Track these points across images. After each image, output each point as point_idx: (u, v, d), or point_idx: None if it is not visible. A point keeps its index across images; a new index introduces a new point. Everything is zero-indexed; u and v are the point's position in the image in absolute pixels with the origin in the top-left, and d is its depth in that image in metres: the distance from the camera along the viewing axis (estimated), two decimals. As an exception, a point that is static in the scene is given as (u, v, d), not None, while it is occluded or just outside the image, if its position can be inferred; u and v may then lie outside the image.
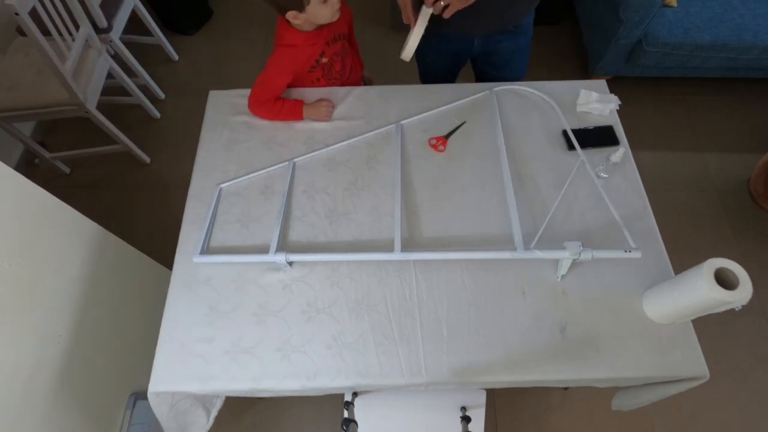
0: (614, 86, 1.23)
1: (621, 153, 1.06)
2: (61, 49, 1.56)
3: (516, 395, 1.56)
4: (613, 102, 1.19)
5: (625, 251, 0.92)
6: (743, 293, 0.74)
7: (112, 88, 2.00)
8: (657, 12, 1.82)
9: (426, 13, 1.00)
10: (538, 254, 0.94)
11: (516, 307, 0.95)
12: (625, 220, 0.98)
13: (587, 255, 0.90)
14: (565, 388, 1.56)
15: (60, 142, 2.13)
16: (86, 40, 1.72)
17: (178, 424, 1.00)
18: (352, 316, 0.95)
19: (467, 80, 1.37)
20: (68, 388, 1.04)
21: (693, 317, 0.88)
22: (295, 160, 1.15)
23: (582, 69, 2.30)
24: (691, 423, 1.53)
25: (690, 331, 0.91)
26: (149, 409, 0.93)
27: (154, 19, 2.19)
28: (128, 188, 2.03)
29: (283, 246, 1.03)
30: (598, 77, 1.51)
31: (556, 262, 0.96)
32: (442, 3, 0.97)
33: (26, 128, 2.06)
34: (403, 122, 1.20)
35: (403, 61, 1.08)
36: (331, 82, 1.32)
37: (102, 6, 1.80)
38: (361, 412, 1.14)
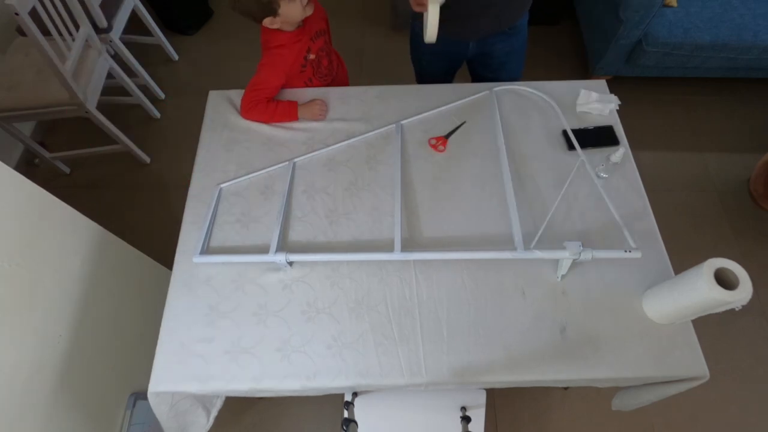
0: (614, 86, 1.23)
1: (621, 153, 1.06)
2: (61, 49, 1.56)
3: (516, 395, 1.56)
4: (613, 102, 1.19)
5: (625, 251, 0.92)
6: (743, 293, 0.74)
7: (112, 88, 2.00)
8: (657, 12, 1.83)
9: None
10: (538, 254, 0.94)
11: (516, 307, 0.95)
12: (625, 220, 0.98)
13: (587, 255, 0.90)
14: (565, 388, 1.56)
15: (60, 142, 2.13)
16: (86, 40, 1.72)
17: (178, 424, 1.00)
18: (352, 316, 0.95)
19: (463, 82, 1.37)
20: (68, 388, 1.04)
21: (693, 317, 0.88)
22: (295, 160, 1.15)
23: (582, 69, 2.30)
24: (691, 423, 1.53)
25: (690, 331, 0.91)
26: (149, 409, 0.93)
27: (154, 19, 2.19)
28: (128, 188, 2.03)
29: (283, 246, 1.03)
30: (598, 77, 1.52)
31: (556, 262, 0.96)
32: None
33: (26, 128, 2.06)
34: (403, 122, 1.20)
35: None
36: (322, 80, 1.33)
37: (102, 6, 1.80)
38: (361, 412, 1.14)
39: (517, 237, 0.98)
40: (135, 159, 2.05)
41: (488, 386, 0.95)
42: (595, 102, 1.18)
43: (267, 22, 1.12)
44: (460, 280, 0.98)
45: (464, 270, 0.99)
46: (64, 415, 1.04)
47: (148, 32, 2.22)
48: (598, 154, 1.13)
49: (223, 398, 1.10)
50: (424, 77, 1.50)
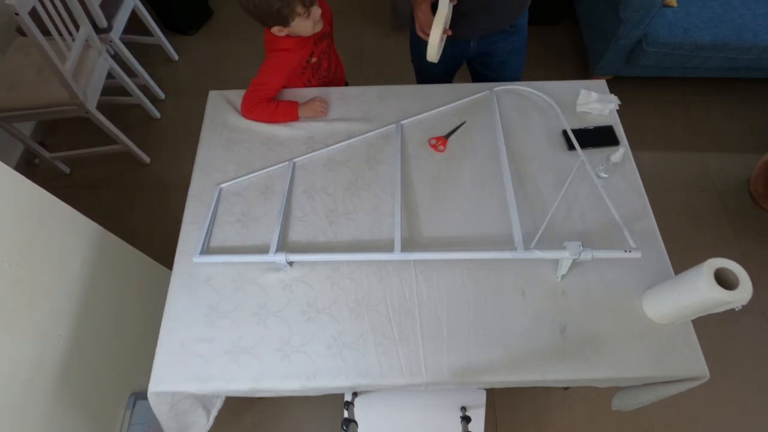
0: (614, 86, 1.23)
1: (621, 153, 1.06)
2: (61, 49, 1.56)
3: (516, 395, 1.56)
4: (613, 102, 1.19)
5: (625, 251, 0.92)
6: (743, 293, 0.74)
7: (112, 88, 2.00)
8: (657, 12, 1.83)
9: (442, 12, 0.99)
10: (538, 254, 0.94)
11: (516, 307, 0.95)
12: (625, 220, 0.98)
13: (587, 255, 0.90)
14: (565, 388, 1.56)
15: (60, 142, 2.13)
16: (86, 40, 1.72)
17: (178, 424, 1.00)
18: (352, 316, 0.95)
19: (464, 82, 1.37)
20: (68, 388, 1.04)
21: (693, 317, 0.88)
22: (295, 160, 1.15)
23: (582, 69, 2.30)
24: (691, 423, 1.53)
25: (690, 331, 0.91)
26: (149, 409, 0.93)
27: (154, 19, 2.19)
28: (128, 188, 2.03)
29: (283, 246, 1.03)
30: (598, 77, 1.52)
31: (556, 262, 0.96)
32: None
33: (26, 128, 2.06)
34: (403, 122, 1.20)
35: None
36: (320, 81, 1.34)
37: (102, 6, 1.80)
38: (361, 412, 1.14)
39: (517, 237, 0.98)
40: (135, 159, 2.05)
41: (488, 386, 0.95)
42: (595, 102, 1.18)
43: (275, 30, 1.12)
44: (460, 280, 0.98)
45: (464, 270, 0.99)
46: (64, 415, 1.04)
47: (148, 32, 2.22)
48: (598, 154, 1.13)
49: (223, 398, 1.10)
50: (424, 77, 1.50)
